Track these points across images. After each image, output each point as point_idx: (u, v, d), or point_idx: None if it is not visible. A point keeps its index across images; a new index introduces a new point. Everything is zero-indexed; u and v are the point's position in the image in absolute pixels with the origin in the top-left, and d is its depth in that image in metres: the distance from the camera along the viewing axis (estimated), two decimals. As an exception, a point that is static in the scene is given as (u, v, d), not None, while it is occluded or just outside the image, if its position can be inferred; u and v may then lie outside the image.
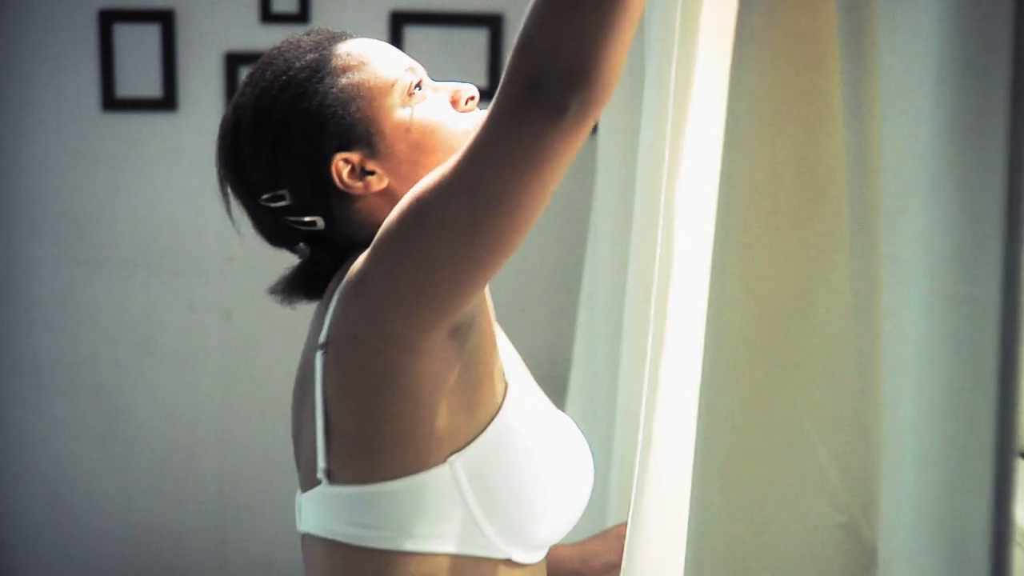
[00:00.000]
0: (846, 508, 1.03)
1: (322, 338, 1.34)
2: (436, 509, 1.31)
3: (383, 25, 2.93)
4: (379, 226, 1.34)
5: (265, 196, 1.40)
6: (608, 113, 2.33)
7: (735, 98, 1.04)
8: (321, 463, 1.35)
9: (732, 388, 1.06)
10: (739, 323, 1.06)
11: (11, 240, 3.04)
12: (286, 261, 1.57)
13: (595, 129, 2.52)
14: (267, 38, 2.95)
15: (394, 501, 1.32)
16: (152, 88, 2.98)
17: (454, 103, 1.41)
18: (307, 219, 1.40)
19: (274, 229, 1.44)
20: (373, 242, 1.29)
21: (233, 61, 2.95)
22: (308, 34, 1.45)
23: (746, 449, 1.06)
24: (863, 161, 0.93)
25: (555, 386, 2.93)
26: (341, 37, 1.44)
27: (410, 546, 1.32)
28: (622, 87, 2.23)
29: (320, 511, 1.37)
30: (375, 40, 1.44)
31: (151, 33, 2.95)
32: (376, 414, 1.31)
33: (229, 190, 1.45)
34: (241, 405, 3.06)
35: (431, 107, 1.39)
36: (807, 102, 1.03)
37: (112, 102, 2.98)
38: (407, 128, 1.38)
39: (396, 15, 2.94)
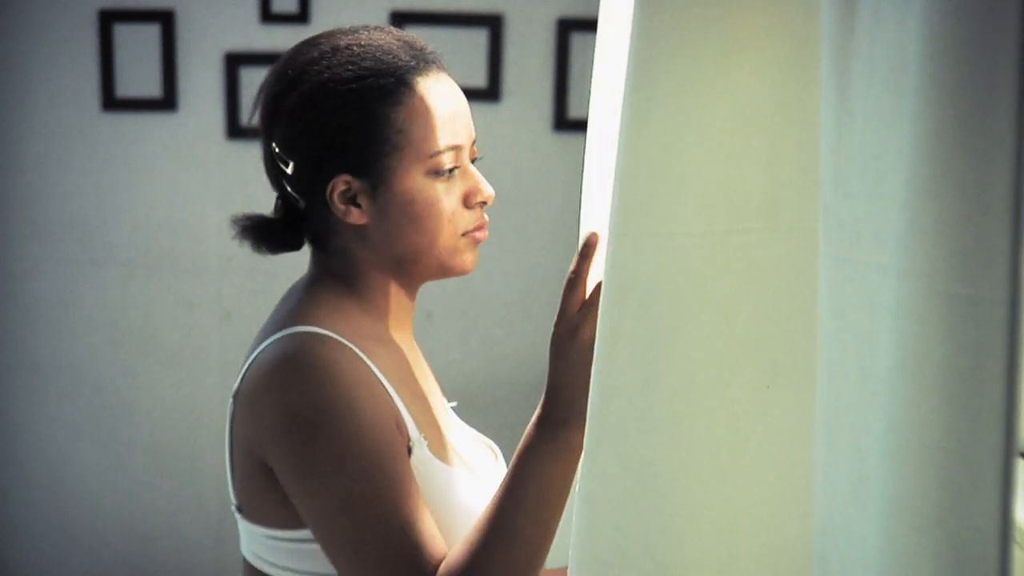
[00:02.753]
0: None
1: (235, 386, 1.44)
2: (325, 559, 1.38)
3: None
4: (341, 243, 1.44)
5: (276, 150, 1.43)
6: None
7: (697, 92, 1.03)
8: (232, 498, 1.47)
9: (689, 387, 1.06)
10: (733, 323, 1.06)
11: (11, 240, 3.04)
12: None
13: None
14: (267, 38, 2.95)
15: (291, 547, 1.40)
16: (152, 88, 2.98)
17: (467, 196, 1.43)
18: (294, 194, 1.44)
19: (270, 173, 1.47)
20: (277, 403, 1.36)
21: (233, 61, 2.95)
22: (408, 44, 1.43)
23: (739, 451, 1.06)
24: (853, 161, 0.93)
25: (555, 386, 2.93)
26: (429, 68, 1.41)
27: None
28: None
29: (242, 534, 1.48)
30: (453, 93, 1.43)
31: (151, 33, 2.95)
32: (266, 480, 1.40)
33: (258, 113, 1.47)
34: (241, 405, 3.06)
35: (444, 194, 1.41)
36: (775, 98, 1.03)
37: (112, 102, 2.98)
38: (411, 200, 1.39)
39: (396, 15, 2.94)
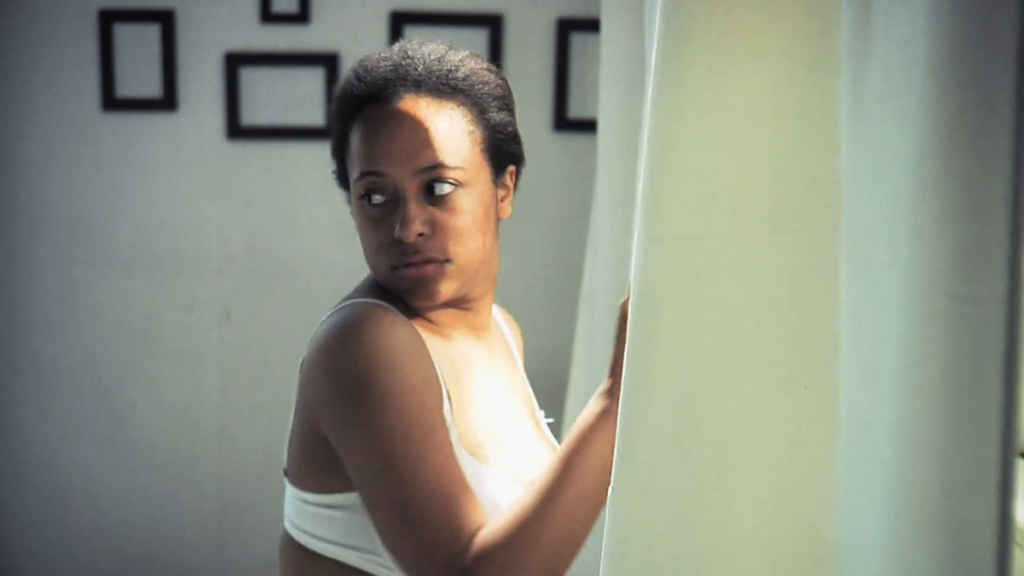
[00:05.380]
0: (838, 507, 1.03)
1: (304, 355, 1.47)
2: (358, 526, 1.40)
3: (383, 25, 2.93)
4: None
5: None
6: (608, 113, 2.33)
7: (728, 93, 1.04)
8: (284, 462, 1.51)
9: (722, 390, 1.06)
10: (735, 323, 1.06)
11: (11, 240, 3.04)
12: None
13: (595, 129, 2.52)
14: (267, 38, 2.95)
15: (321, 512, 1.43)
16: (152, 88, 2.98)
17: (395, 227, 1.43)
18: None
19: None
20: (329, 369, 1.39)
21: (233, 61, 2.95)
22: (385, 73, 1.47)
23: (739, 452, 1.06)
24: (866, 161, 0.93)
25: (555, 386, 2.93)
26: (393, 96, 1.45)
27: (329, 553, 1.43)
28: (622, 87, 2.23)
29: (287, 502, 1.51)
30: (402, 122, 1.43)
31: (151, 33, 2.95)
32: (313, 443, 1.44)
33: None
34: (241, 405, 3.06)
35: (374, 223, 1.45)
36: (806, 99, 1.03)
37: (112, 102, 2.98)
38: (355, 223, 1.49)
39: (396, 15, 2.94)
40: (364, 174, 1.43)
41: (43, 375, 3.08)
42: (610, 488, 1.12)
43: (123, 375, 3.08)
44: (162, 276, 3.05)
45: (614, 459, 1.12)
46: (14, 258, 3.04)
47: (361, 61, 1.51)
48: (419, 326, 1.45)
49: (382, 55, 1.50)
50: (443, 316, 1.51)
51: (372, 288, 1.49)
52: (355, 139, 1.45)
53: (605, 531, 1.13)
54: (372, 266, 1.48)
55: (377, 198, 1.43)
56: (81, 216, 3.03)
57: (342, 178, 1.53)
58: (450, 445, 1.37)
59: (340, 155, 1.51)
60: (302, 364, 1.47)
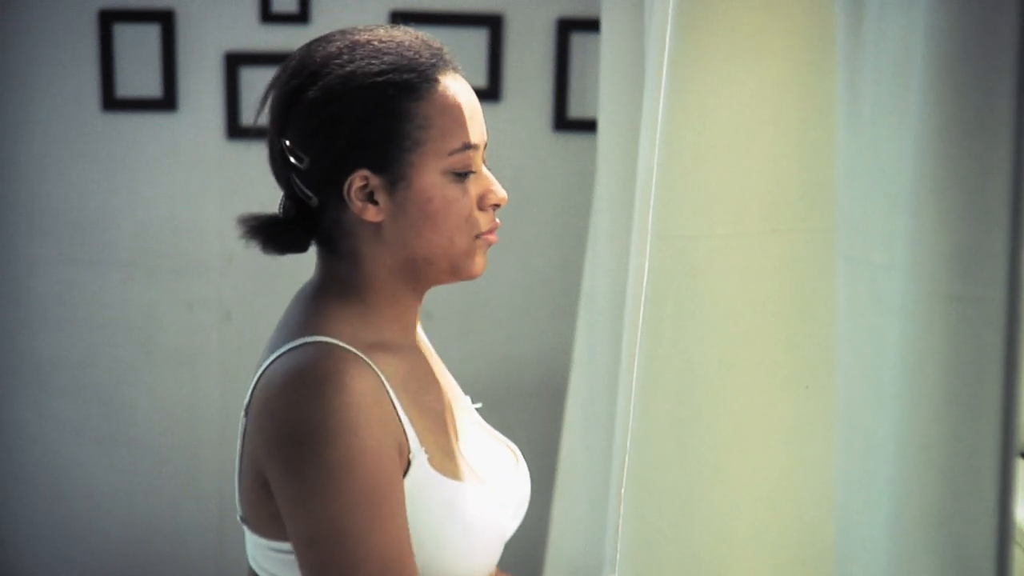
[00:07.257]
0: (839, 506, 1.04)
1: (246, 399, 1.42)
2: None
3: (383, 25, 2.93)
4: (352, 245, 1.42)
5: (288, 144, 1.40)
6: (608, 113, 2.33)
7: (730, 96, 1.04)
8: (239, 509, 1.46)
9: (722, 388, 1.06)
10: (731, 322, 1.06)
11: (11, 240, 3.04)
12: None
13: (595, 129, 2.52)
14: (267, 38, 2.95)
15: (292, 559, 1.38)
16: (152, 88, 2.98)
17: (481, 198, 1.43)
18: (307, 191, 1.41)
19: (279, 171, 1.45)
20: (280, 423, 1.34)
21: (233, 61, 2.95)
22: (430, 44, 1.43)
23: (739, 449, 1.06)
24: (861, 161, 0.93)
25: (555, 386, 2.93)
26: (447, 68, 1.42)
27: None
28: (622, 87, 2.23)
29: (248, 544, 1.47)
30: (471, 94, 1.44)
31: (151, 33, 2.95)
32: (266, 492, 1.38)
33: (267, 107, 1.45)
34: (241, 405, 3.06)
35: (462, 194, 1.40)
36: (804, 101, 1.03)
37: (112, 102, 2.98)
38: (430, 198, 1.39)
39: (396, 15, 2.94)
40: (465, 147, 1.40)
41: (43, 375, 3.08)
42: (623, 486, 1.13)
43: (123, 375, 3.08)
44: (162, 276, 3.05)
45: (626, 458, 1.12)
46: (14, 258, 3.04)
47: (378, 39, 1.40)
48: (376, 350, 1.39)
49: (383, 36, 1.42)
50: (403, 316, 1.47)
51: (321, 322, 1.41)
52: (435, 113, 1.38)
53: (620, 528, 1.13)
54: (447, 242, 1.40)
55: (467, 171, 1.41)
56: (81, 216, 3.03)
57: (383, 165, 1.38)
58: (403, 514, 1.32)
59: (384, 138, 1.37)
60: (247, 408, 1.40)
